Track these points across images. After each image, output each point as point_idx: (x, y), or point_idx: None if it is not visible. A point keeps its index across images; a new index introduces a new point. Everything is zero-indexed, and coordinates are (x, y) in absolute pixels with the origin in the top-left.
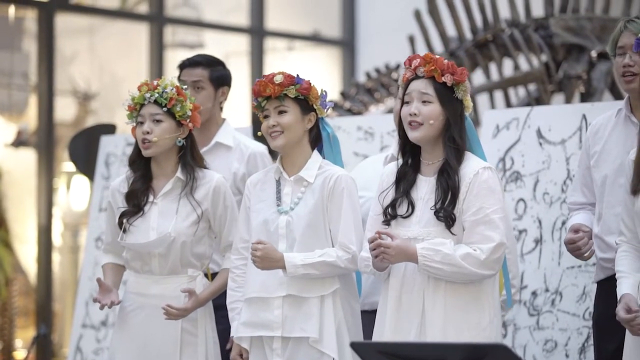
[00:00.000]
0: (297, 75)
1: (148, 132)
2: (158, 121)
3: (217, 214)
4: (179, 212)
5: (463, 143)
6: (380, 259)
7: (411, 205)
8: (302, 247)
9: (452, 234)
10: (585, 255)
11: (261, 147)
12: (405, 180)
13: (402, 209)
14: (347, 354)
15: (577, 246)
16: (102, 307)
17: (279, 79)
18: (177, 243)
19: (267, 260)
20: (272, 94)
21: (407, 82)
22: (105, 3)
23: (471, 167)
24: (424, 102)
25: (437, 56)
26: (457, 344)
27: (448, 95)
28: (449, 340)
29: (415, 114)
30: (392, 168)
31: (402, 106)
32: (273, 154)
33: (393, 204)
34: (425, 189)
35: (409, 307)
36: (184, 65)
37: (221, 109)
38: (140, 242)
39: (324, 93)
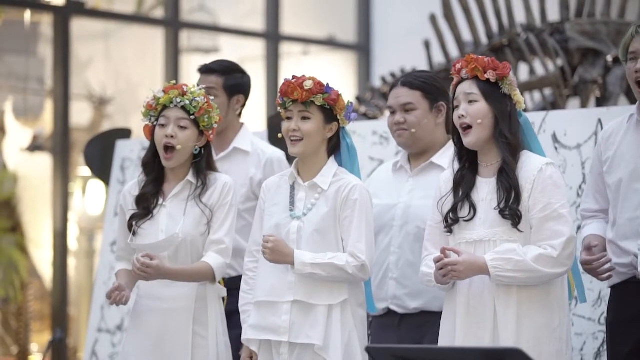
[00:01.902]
0: (327, 84)
1: (172, 137)
2: (183, 127)
3: (215, 207)
4: (187, 214)
5: (515, 139)
6: (450, 278)
7: (473, 208)
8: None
9: (519, 231)
10: (603, 277)
11: (278, 153)
12: (464, 184)
13: (464, 212)
14: None
15: (593, 268)
16: (112, 302)
17: (308, 84)
18: (185, 244)
19: (277, 252)
20: (299, 99)
21: (455, 88)
22: (120, 8)
23: (533, 164)
24: (470, 102)
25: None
26: (473, 348)
27: (493, 92)
28: (522, 344)
29: (463, 116)
30: (448, 175)
31: (453, 111)
32: (290, 160)
33: (454, 209)
34: (485, 190)
35: (480, 312)
36: (200, 72)
37: (239, 115)
38: (148, 243)
39: (350, 104)
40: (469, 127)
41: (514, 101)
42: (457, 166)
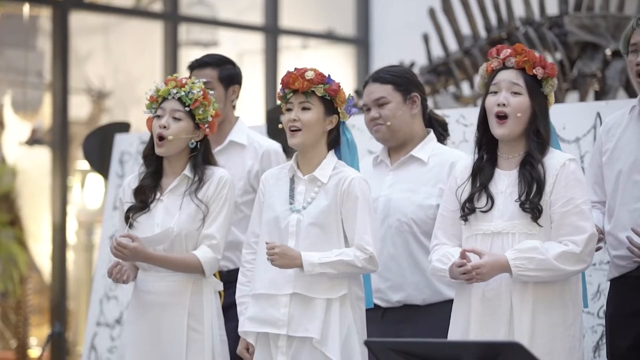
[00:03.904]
0: (329, 75)
1: (165, 127)
2: (177, 119)
3: (210, 201)
4: (183, 209)
5: (548, 137)
6: (474, 281)
7: (490, 199)
8: (311, 247)
9: (539, 225)
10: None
11: (275, 145)
12: (482, 174)
13: (481, 203)
14: (356, 357)
15: None
16: (113, 278)
17: (309, 74)
18: (180, 238)
19: (285, 257)
20: (299, 88)
21: (492, 73)
22: (119, 1)
23: (556, 159)
24: (513, 92)
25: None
26: (471, 342)
27: (537, 89)
28: (537, 339)
29: (503, 104)
30: (465, 163)
31: (485, 97)
32: (287, 151)
33: (470, 198)
34: (505, 182)
35: (496, 305)
36: (193, 67)
37: (234, 107)
38: (143, 237)
39: (351, 98)
40: (505, 117)
41: (548, 101)
42: (475, 155)
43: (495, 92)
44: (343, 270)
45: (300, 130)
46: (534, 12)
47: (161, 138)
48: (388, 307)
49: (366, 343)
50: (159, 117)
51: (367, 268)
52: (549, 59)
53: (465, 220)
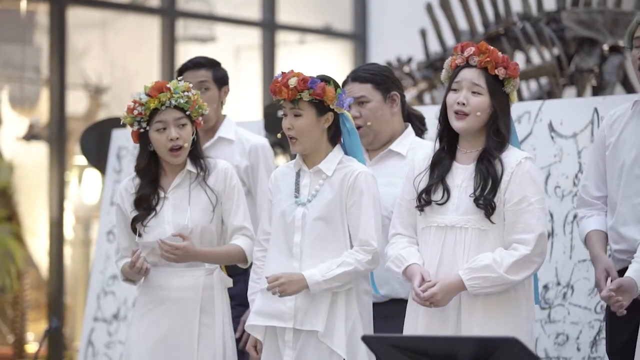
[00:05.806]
0: (312, 78)
1: (177, 138)
2: (183, 125)
3: (224, 195)
4: (192, 203)
5: (508, 136)
6: (432, 307)
7: (447, 191)
8: (316, 241)
9: (491, 222)
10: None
11: (262, 140)
12: (440, 167)
13: (437, 195)
14: (361, 351)
15: (619, 302)
16: (138, 266)
17: (292, 82)
18: (195, 234)
19: (292, 283)
20: (286, 97)
21: (456, 69)
22: None
23: (513, 156)
24: (473, 92)
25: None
26: (468, 337)
27: (498, 88)
28: (488, 333)
29: (463, 104)
30: (425, 154)
31: (447, 92)
32: (284, 146)
33: (428, 190)
34: (462, 176)
35: None
36: (186, 68)
37: (221, 105)
38: (159, 240)
39: (342, 91)
40: (465, 115)
41: (510, 99)
42: (437, 146)
43: (456, 90)
44: (348, 280)
45: (297, 139)
46: (532, 7)
47: (175, 148)
48: (375, 303)
49: (364, 339)
50: (161, 129)
51: (369, 268)
52: (547, 54)
53: (421, 210)
